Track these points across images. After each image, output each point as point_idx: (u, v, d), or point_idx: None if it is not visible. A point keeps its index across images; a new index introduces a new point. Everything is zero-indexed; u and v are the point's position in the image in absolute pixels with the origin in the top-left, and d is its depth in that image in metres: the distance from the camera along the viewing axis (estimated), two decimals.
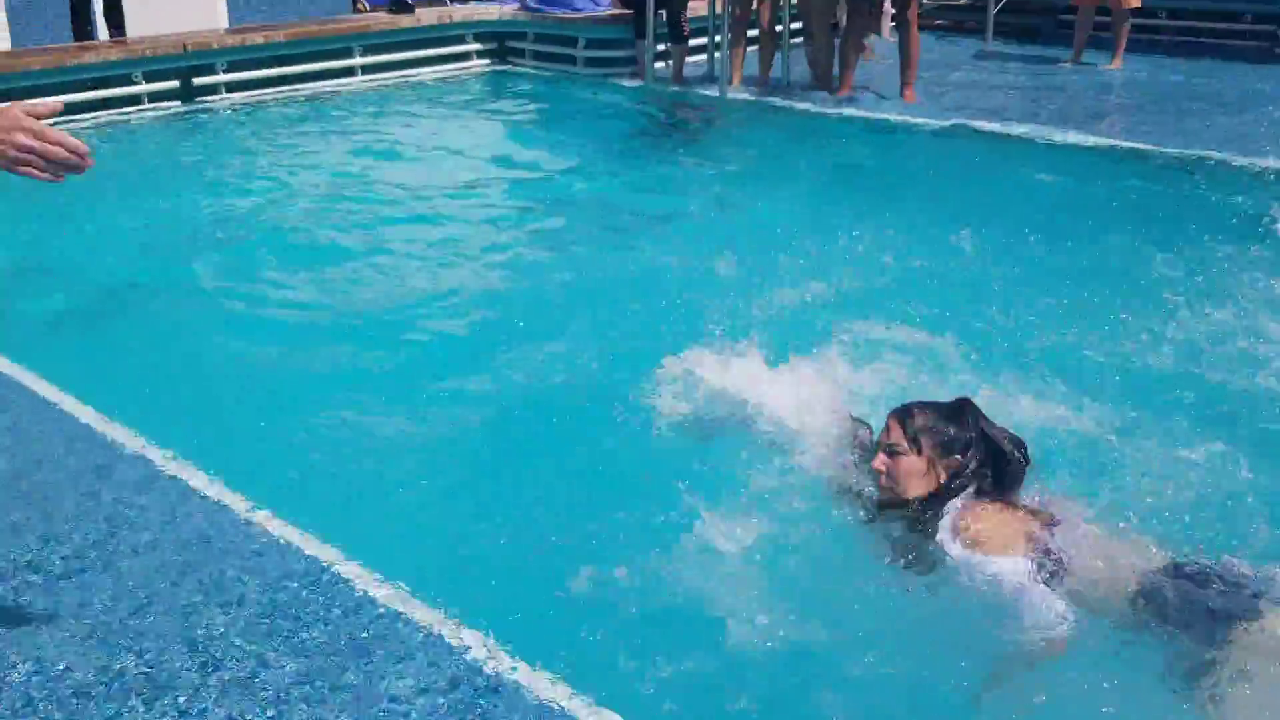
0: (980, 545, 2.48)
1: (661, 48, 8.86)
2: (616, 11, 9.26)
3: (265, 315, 4.57)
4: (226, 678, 2.32)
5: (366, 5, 11.56)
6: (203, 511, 2.92)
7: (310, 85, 8.59)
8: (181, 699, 2.26)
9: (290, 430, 3.53)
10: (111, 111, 7.61)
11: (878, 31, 8.24)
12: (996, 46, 9.78)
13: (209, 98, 8.11)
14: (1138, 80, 8.55)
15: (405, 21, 9.15)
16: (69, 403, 3.54)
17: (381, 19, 9.29)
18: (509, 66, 9.55)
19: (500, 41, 9.57)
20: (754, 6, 8.68)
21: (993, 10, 9.83)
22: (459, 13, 9.60)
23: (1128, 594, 2.38)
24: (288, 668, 2.35)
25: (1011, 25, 10.12)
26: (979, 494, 2.62)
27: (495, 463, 3.33)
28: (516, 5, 9.77)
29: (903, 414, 2.69)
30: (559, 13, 9.29)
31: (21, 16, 9.19)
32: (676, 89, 8.59)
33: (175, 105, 7.92)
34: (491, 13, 9.65)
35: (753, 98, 8.21)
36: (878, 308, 4.04)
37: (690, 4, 8.69)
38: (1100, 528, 2.52)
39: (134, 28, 8.46)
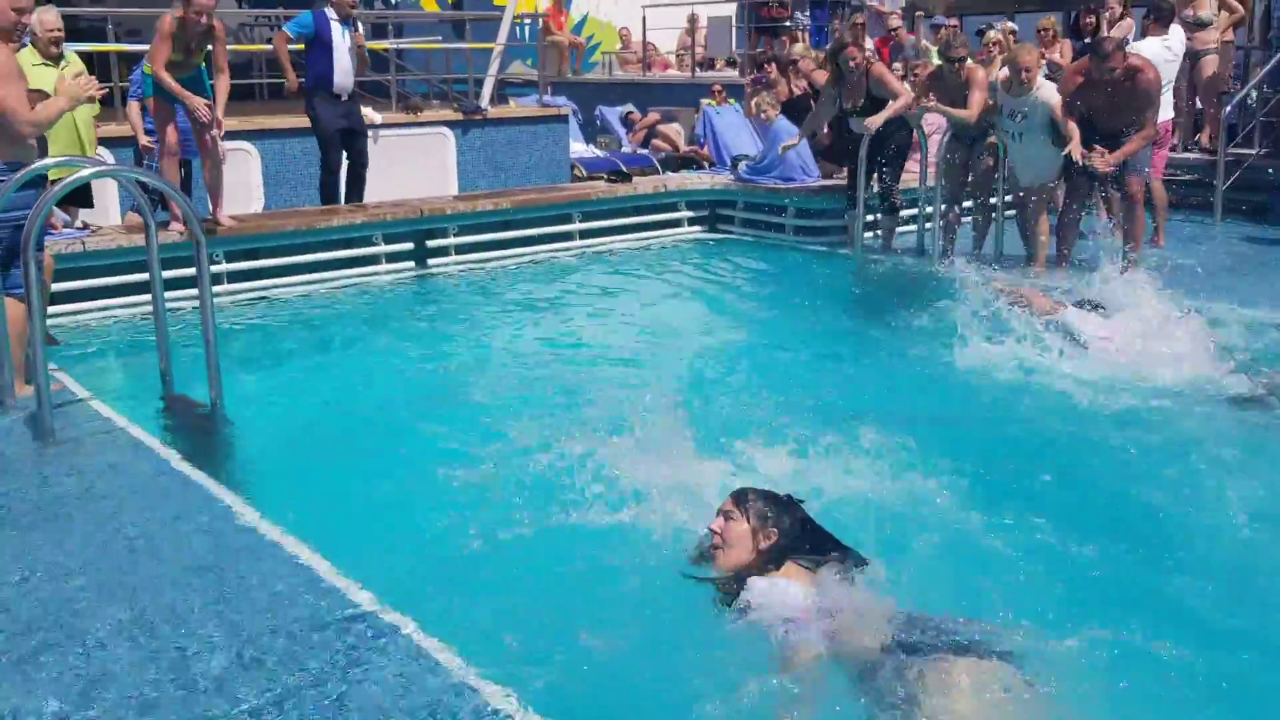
0: (782, 576, 3.29)
1: (871, 218, 8.94)
2: (827, 182, 9.43)
3: (477, 469, 4.63)
4: None
5: (584, 171, 12.21)
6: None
7: (531, 249, 9.03)
8: None
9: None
10: (352, 272, 8.17)
11: (1093, 208, 8.10)
12: (1227, 226, 9.39)
13: (440, 259, 8.61)
14: None
15: (622, 190, 9.57)
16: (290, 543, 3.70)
17: (600, 187, 9.74)
18: (720, 234, 9.82)
19: (712, 209, 9.87)
20: (967, 178, 8.70)
21: (1221, 186, 9.51)
22: (673, 181, 9.98)
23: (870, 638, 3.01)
24: None
25: (1240, 202, 9.73)
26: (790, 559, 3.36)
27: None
28: (728, 174, 10.10)
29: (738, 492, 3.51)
30: (770, 182, 9.54)
31: (273, 180, 10.06)
32: (887, 261, 8.60)
33: (409, 266, 8.45)
34: (704, 182, 9.99)
35: (963, 273, 8.07)
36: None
37: (903, 175, 8.79)
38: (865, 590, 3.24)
39: (373, 192, 9.13)
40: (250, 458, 4.73)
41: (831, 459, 4.68)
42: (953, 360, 6.11)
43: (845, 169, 9.11)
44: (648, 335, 7.04)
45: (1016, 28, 12.24)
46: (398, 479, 4.52)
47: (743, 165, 9.89)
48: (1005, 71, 8.04)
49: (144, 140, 7.59)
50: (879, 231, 9.04)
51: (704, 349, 6.68)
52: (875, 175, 8.73)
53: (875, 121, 8.22)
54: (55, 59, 7.04)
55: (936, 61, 11.85)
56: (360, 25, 8.76)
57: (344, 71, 8.51)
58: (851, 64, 8.52)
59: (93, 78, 5.36)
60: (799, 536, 3.40)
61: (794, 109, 10.04)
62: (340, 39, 8.43)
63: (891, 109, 8.32)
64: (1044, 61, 10.58)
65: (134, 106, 7.78)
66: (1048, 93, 7.67)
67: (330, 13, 8.44)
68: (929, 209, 8.68)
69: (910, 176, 8.94)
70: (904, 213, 8.99)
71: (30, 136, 5.02)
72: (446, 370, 6.27)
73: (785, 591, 3.22)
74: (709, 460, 4.36)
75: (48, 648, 3.07)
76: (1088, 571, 3.69)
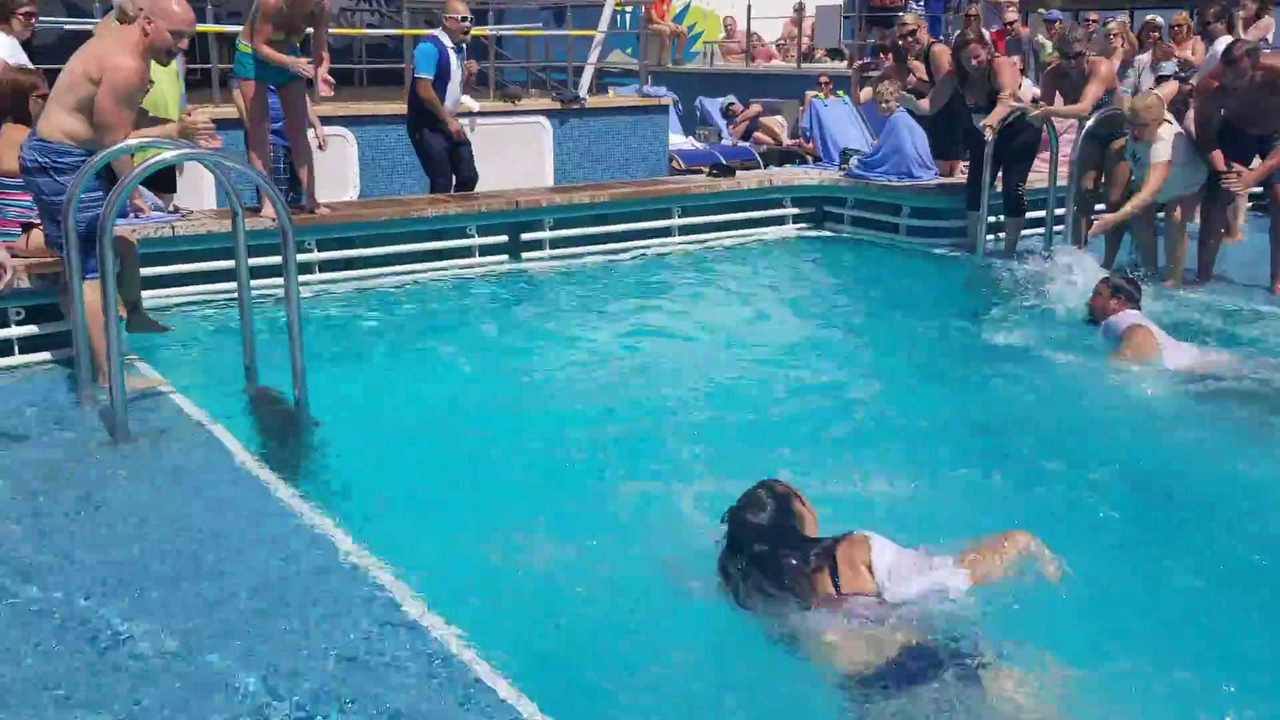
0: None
1: (994, 219, 8.35)
2: (946, 180, 8.86)
3: (564, 462, 4.38)
4: None
5: (683, 164, 11.79)
6: None
7: (628, 244, 8.64)
8: None
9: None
10: (445, 264, 7.88)
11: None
12: None
13: (534, 253, 8.28)
14: None
15: (725, 184, 9.12)
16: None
17: (701, 182, 9.31)
18: (827, 232, 9.31)
19: (818, 206, 9.36)
20: (1100, 180, 8.07)
21: None
22: (778, 176, 9.50)
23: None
24: None
25: None
26: None
27: None
28: (836, 170, 9.59)
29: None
30: (883, 178, 9.00)
31: (370, 167, 9.85)
32: (1009, 265, 8.00)
33: (503, 259, 8.12)
34: (811, 177, 9.49)
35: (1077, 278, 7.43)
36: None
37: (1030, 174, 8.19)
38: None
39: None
40: (333, 465, 4.41)
41: (943, 478, 4.26)
42: (1076, 374, 5.59)
43: (967, 165, 8.54)
44: (747, 338, 6.60)
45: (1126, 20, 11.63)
46: (489, 495, 4.16)
47: (854, 160, 9.36)
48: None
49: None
50: (1001, 234, 8.45)
51: (806, 354, 6.22)
52: (999, 173, 8.15)
53: (990, 122, 7.66)
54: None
55: (1050, 56, 11.19)
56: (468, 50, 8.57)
57: (454, 100, 8.39)
58: (974, 61, 7.97)
59: (211, 129, 5.05)
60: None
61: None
62: (456, 67, 8.27)
63: (1001, 101, 7.74)
64: (1175, 58, 9.88)
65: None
66: (1162, 148, 7.08)
67: (445, 40, 8.21)
68: (1059, 210, 8.06)
69: (1037, 176, 8.33)
70: (1029, 214, 8.38)
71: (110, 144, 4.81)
72: (540, 371, 5.93)
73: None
74: (805, 476, 3.93)
75: (86, 668, 2.81)
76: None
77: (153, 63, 5.00)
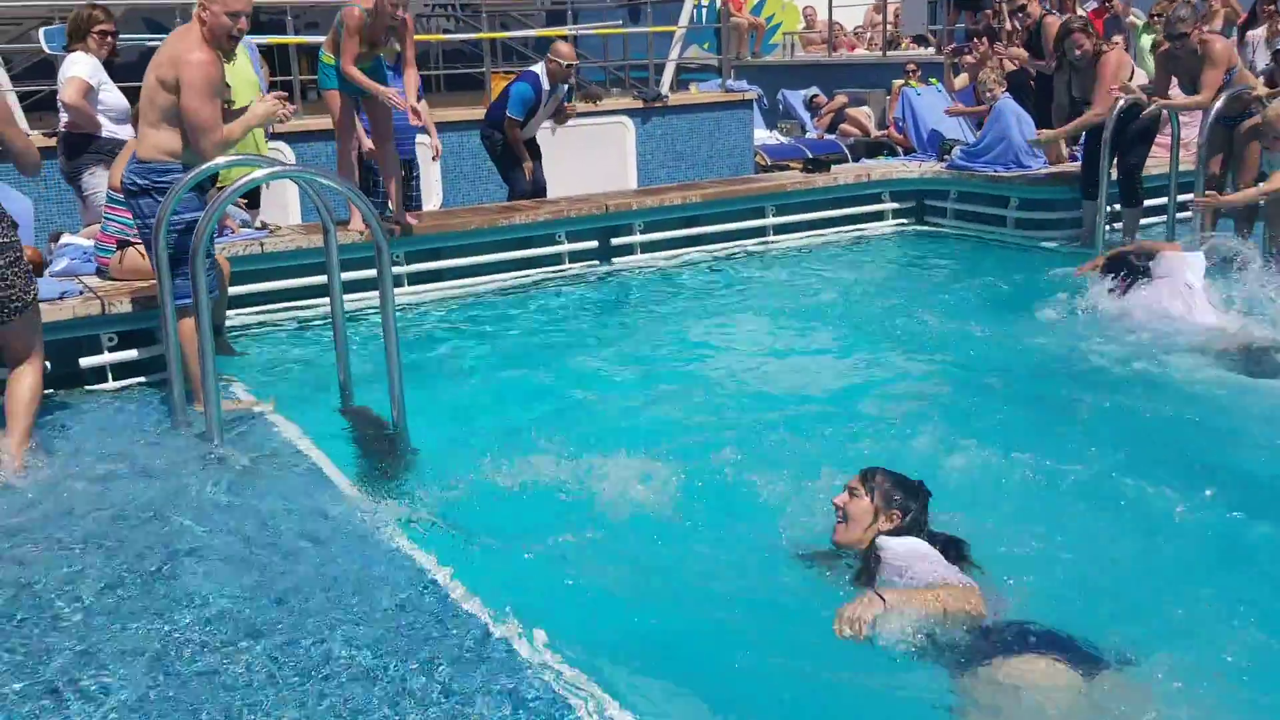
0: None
1: (1110, 209, 7.87)
2: (1057, 169, 8.39)
3: (689, 504, 4.01)
4: None
5: (768, 159, 11.44)
6: None
7: (720, 245, 8.34)
8: None
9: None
10: (535, 271, 7.65)
11: None
12: None
13: (624, 258, 8.01)
14: None
15: (820, 180, 8.77)
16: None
17: (796, 178, 8.96)
18: (929, 227, 8.89)
19: (919, 200, 8.95)
20: (1228, 163, 7.55)
21: None
22: (875, 171, 9.10)
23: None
24: None
25: None
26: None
27: None
28: (936, 161, 9.17)
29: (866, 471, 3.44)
30: (988, 169, 8.55)
31: (451, 174, 9.67)
32: None
33: (594, 264, 7.87)
34: (911, 170, 9.08)
35: (1233, 275, 6.89)
36: None
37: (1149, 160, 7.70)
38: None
39: (553, 184, 8.60)
40: (434, 493, 4.16)
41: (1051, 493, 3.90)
42: (1207, 380, 5.12)
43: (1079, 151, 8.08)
44: (849, 340, 6.29)
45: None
46: (600, 524, 3.88)
47: (956, 150, 8.92)
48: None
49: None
50: (1118, 225, 7.96)
51: (913, 358, 5.88)
52: (1115, 160, 7.67)
53: (1051, 136, 7.22)
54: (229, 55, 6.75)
55: (1145, 39, 10.59)
56: (573, 93, 8.28)
57: (537, 125, 8.19)
58: (1078, 51, 7.51)
59: (284, 97, 5.10)
60: (921, 525, 3.32)
61: (1013, 86, 9.00)
62: (545, 104, 8.02)
63: (1093, 109, 7.30)
64: None
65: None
66: None
67: (543, 81, 7.94)
68: (1182, 197, 7.55)
69: (1155, 162, 7.84)
70: (1149, 202, 7.88)
71: (214, 155, 4.68)
72: (642, 380, 5.66)
73: (927, 550, 3.12)
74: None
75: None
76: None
77: (234, 76, 4.85)
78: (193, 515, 3.84)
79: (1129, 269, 6.07)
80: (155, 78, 4.70)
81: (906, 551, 3.10)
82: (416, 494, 4.14)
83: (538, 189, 8.37)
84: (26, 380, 4.37)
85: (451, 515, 3.93)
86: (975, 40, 10.10)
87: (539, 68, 8.04)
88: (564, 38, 9.38)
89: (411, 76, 6.69)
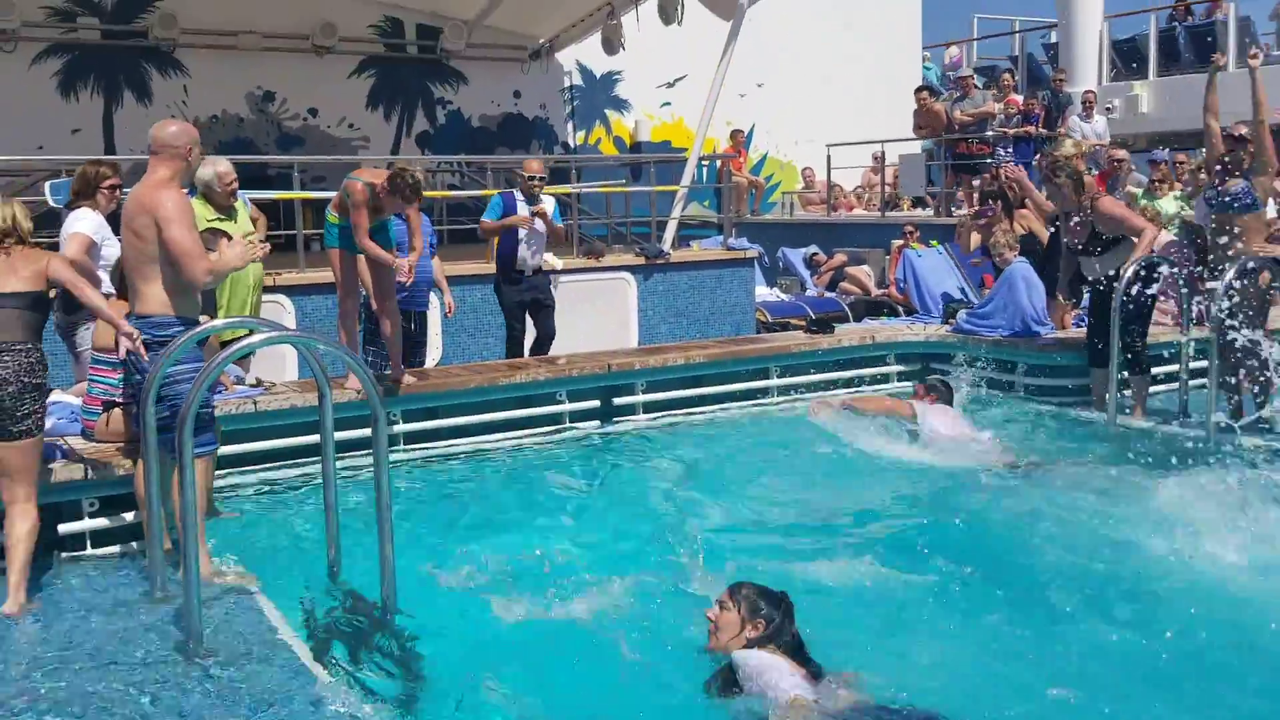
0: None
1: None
2: (1063, 335, 8.31)
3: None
4: None
5: (769, 317, 11.41)
6: None
7: (722, 406, 8.18)
8: None
9: None
10: (534, 431, 7.46)
11: None
12: None
13: (625, 418, 7.84)
14: None
15: (825, 342, 8.67)
16: None
17: (800, 339, 8.87)
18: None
19: (924, 363, 8.84)
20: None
21: None
22: (881, 333, 9.03)
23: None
24: None
25: None
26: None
27: None
28: (939, 324, 9.11)
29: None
30: (994, 333, 8.46)
31: (452, 327, 9.58)
32: (1143, 427, 7.34)
33: (594, 424, 7.69)
34: (916, 332, 9.00)
35: (1255, 445, 6.70)
36: None
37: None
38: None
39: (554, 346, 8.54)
40: (427, 684, 3.87)
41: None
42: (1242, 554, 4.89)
43: (1081, 316, 8.00)
44: (859, 503, 6.10)
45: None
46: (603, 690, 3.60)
47: (962, 314, 8.86)
48: None
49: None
50: (1125, 392, 7.80)
51: (926, 522, 5.68)
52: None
53: (1127, 269, 7.15)
54: (230, 211, 6.76)
55: (1143, 203, 10.68)
56: (548, 204, 8.63)
57: (528, 250, 8.45)
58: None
59: (254, 239, 5.32)
60: (784, 631, 3.78)
61: (1024, 251, 9.01)
62: (525, 230, 8.40)
63: (1138, 250, 7.24)
64: None
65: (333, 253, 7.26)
66: None
67: (518, 194, 8.52)
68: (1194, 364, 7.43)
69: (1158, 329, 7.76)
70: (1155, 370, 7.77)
71: (206, 285, 4.82)
72: (646, 545, 5.38)
73: (774, 662, 3.64)
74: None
75: None
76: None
77: (236, 230, 4.93)
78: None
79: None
80: (131, 232, 4.74)
81: (757, 664, 3.63)
82: (402, 685, 3.85)
83: (543, 338, 8.52)
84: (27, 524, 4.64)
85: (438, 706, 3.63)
86: (990, 202, 10.20)
87: (515, 190, 8.63)
88: (567, 194, 9.48)
89: (417, 243, 6.84)
